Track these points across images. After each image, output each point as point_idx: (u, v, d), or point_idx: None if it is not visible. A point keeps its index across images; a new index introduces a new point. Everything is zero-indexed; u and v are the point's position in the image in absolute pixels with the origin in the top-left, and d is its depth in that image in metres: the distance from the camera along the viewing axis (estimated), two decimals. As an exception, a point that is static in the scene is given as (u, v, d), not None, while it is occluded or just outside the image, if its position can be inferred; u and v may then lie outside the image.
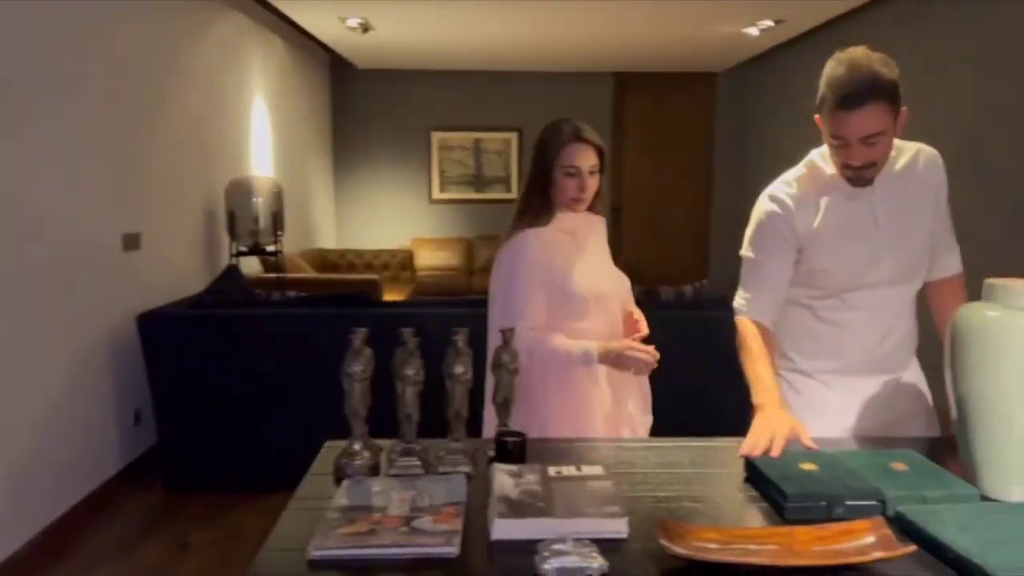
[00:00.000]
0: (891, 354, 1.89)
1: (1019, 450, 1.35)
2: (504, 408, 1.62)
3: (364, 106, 8.50)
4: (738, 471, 1.52)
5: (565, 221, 2.04)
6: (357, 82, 8.43)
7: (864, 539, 1.17)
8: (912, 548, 1.12)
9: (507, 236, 2.05)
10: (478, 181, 8.75)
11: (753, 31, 6.33)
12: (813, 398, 1.91)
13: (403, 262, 7.85)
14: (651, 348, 1.91)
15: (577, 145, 1.99)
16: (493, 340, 1.93)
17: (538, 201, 2.03)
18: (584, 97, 8.50)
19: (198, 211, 4.87)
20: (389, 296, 6.06)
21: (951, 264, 1.92)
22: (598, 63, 8.08)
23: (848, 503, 1.30)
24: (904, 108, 1.71)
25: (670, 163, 8.74)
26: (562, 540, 1.15)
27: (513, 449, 1.54)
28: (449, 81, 8.50)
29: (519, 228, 2.02)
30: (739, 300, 1.90)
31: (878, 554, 1.11)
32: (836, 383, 1.90)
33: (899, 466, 1.46)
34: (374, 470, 1.53)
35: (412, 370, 1.50)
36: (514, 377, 1.60)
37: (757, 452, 1.53)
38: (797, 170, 1.90)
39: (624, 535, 1.23)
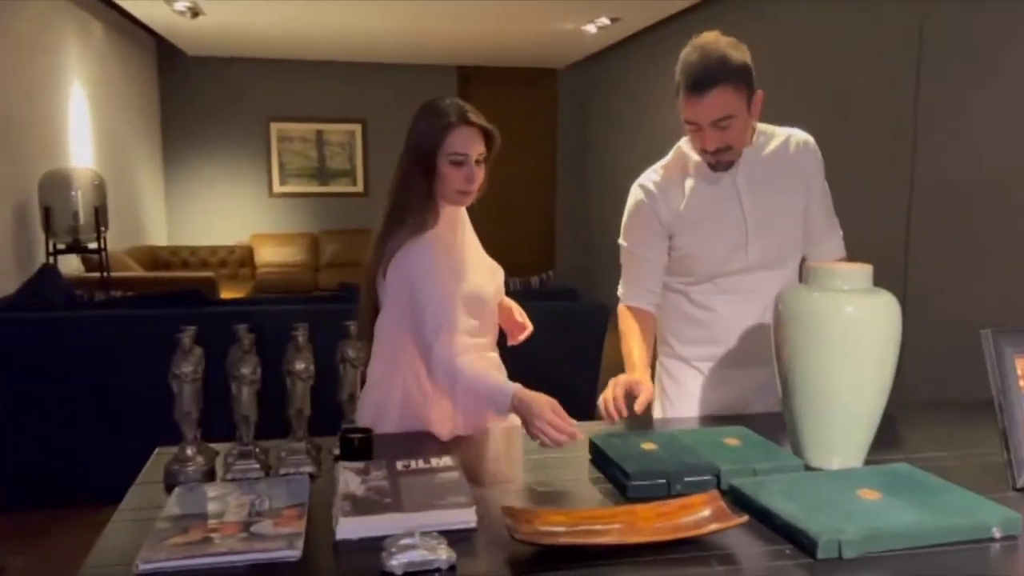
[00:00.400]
0: (768, 342, 1.86)
1: (838, 423, 1.46)
2: (350, 403, 1.58)
3: (196, 95, 8.07)
4: (584, 454, 1.56)
5: (446, 216, 1.78)
6: (188, 70, 7.99)
7: (701, 512, 1.22)
8: (744, 519, 1.17)
9: (383, 237, 1.75)
10: (322, 174, 8.52)
11: (591, 29, 6.51)
12: (690, 387, 1.95)
13: (242, 259, 7.55)
14: (573, 430, 1.49)
15: (464, 129, 1.73)
16: (382, 350, 1.76)
17: (420, 196, 1.73)
18: (428, 90, 8.37)
19: (6, 205, 4.46)
20: (227, 295, 5.80)
21: (832, 248, 1.95)
22: (442, 56, 8.06)
23: (686, 479, 1.36)
24: (759, 92, 1.75)
25: (515, 157, 8.83)
26: (409, 535, 1.14)
27: (359, 446, 1.50)
28: (288, 70, 8.22)
29: (405, 230, 1.71)
30: (619, 289, 1.97)
31: (713, 526, 1.17)
32: (712, 373, 1.94)
33: (732, 441, 1.54)
34: (209, 476, 1.45)
35: (248, 369, 1.43)
36: (358, 372, 1.56)
37: (607, 407, 1.65)
38: (666, 158, 1.94)
39: (473, 525, 1.22)
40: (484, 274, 1.84)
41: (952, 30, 3.44)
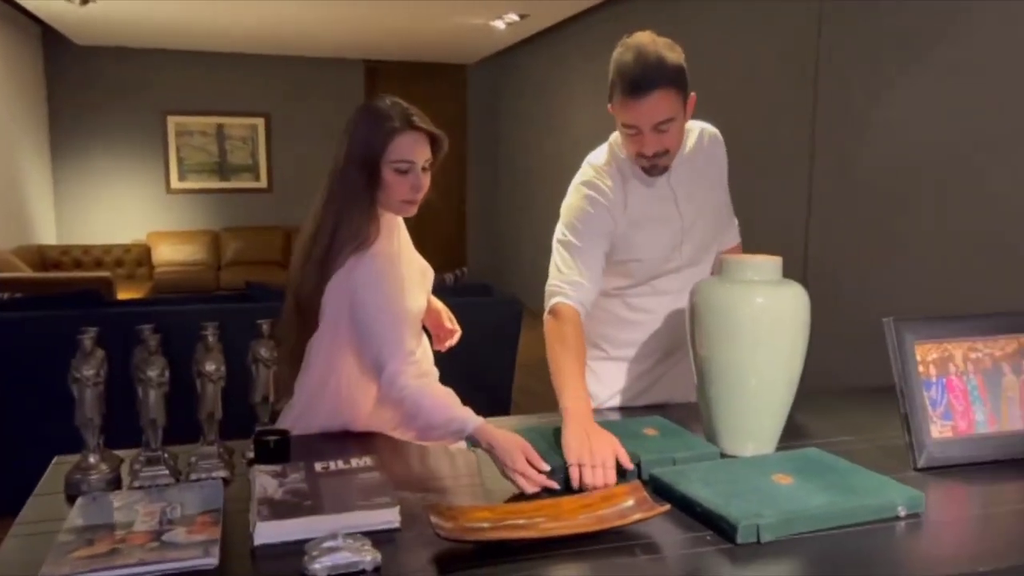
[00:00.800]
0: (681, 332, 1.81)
1: (751, 411, 1.50)
2: (263, 405, 1.53)
3: (87, 87, 7.69)
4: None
5: (384, 225, 1.66)
6: (77, 60, 7.61)
7: (624, 503, 1.23)
8: (666, 507, 1.20)
9: (327, 254, 1.61)
10: (223, 169, 8.26)
11: (499, 25, 6.52)
12: (614, 383, 1.95)
13: (139, 258, 7.25)
14: (548, 482, 1.36)
15: (410, 134, 1.61)
16: (317, 362, 1.66)
17: (363, 207, 1.61)
18: (334, 84, 8.32)
19: None
20: (124, 296, 5.56)
21: (731, 238, 2.00)
22: (348, 50, 7.94)
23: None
24: (693, 94, 1.72)
25: (424, 153, 8.80)
26: (332, 537, 1.11)
27: (275, 448, 1.45)
28: (186, 62, 7.93)
29: (348, 245, 1.59)
30: (559, 284, 1.74)
31: (637, 515, 1.19)
32: (635, 368, 1.94)
33: (650, 431, 1.57)
34: (114, 484, 1.38)
35: (155, 371, 1.37)
36: (271, 372, 1.52)
37: (584, 469, 1.37)
38: (601, 155, 1.87)
39: (397, 524, 1.21)
40: (417, 282, 1.76)
41: (850, 26, 3.60)
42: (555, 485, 1.36)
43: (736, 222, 2.03)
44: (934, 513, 1.27)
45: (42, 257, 6.56)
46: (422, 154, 1.64)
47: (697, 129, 1.91)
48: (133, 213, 7.94)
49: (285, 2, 5.84)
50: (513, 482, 1.36)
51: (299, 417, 1.67)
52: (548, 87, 7.12)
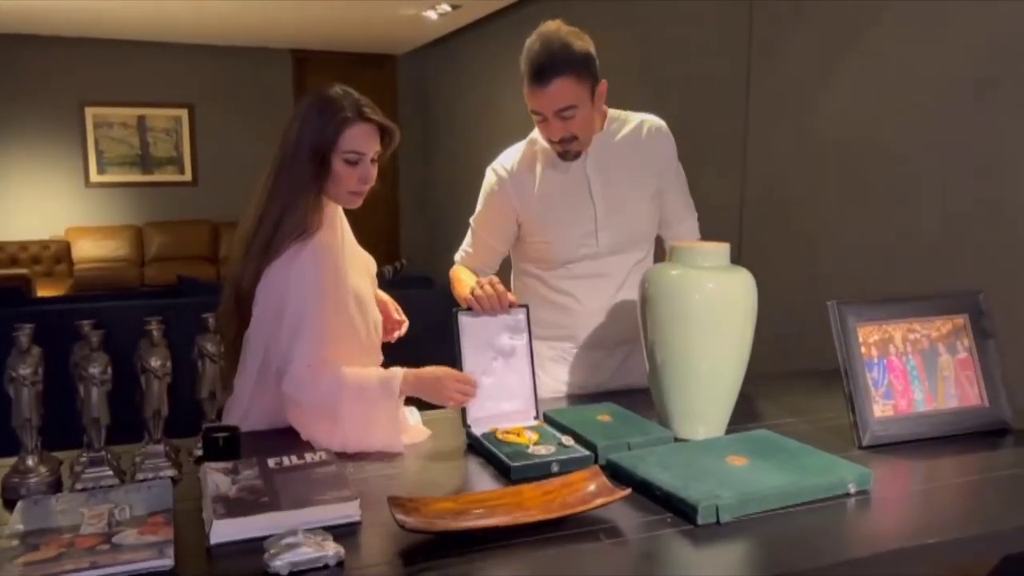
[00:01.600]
0: (624, 322, 1.88)
1: (703, 394, 1.53)
2: (210, 401, 1.49)
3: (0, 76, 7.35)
4: (461, 442, 1.55)
5: (327, 216, 1.64)
6: (-13, 47, 7.26)
7: (585, 489, 1.24)
8: (626, 492, 1.21)
9: (270, 244, 1.57)
10: (145, 162, 7.99)
11: (432, 15, 6.47)
12: (553, 370, 1.97)
13: (58, 255, 6.98)
14: (475, 379, 1.55)
15: (362, 126, 1.60)
16: (253, 356, 1.60)
17: (310, 198, 1.58)
18: (261, 74, 8.13)
19: None
20: (44, 293, 5.34)
21: (688, 231, 2.01)
22: (275, 39, 7.76)
23: (562, 457, 1.39)
24: (603, 81, 1.77)
25: (355, 145, 8.67)
26: (292, 533, 1.09)
27: (224, 445, 1.42)
28: (104, 51, 7.64)
29: (290, 235, 1.55)
30: (457, 255, 2.05)
31: (599, 500, 1.19)
32: (574, 355, 1.96)
33: (604, 418, 1.59)
34: (55, 487, 1.33)
35: (98, 368, 1.32)
36: (218, 368, 1.47)
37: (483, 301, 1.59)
38: (519, 144, 1.95)
39: (358, 518, 1.19)
40: (360, 272, 1.73)
41: (781, 15, 3.68)
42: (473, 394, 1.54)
43: (695, 216, 2.05)
44: (880, 489, 1.31)
45: (-47, 254, 6.26)
46: (372, 146, 1.63)
47: (636, 120, 1.94)
48: (50, 208, 7.62)
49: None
50: (455, 404, 1.54)
51: (245, 414, 1.63)
52: (480, 77, 7.10)
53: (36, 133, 7.54)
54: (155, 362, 1.37)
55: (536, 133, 1.91)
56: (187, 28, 7.13)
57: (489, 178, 1.95)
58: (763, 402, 1.80)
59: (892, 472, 1.41)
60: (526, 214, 1.90)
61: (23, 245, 6.89)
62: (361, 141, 1.61)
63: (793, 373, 2.15)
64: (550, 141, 1.81)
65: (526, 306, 1.64)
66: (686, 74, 4.32)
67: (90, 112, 7.73)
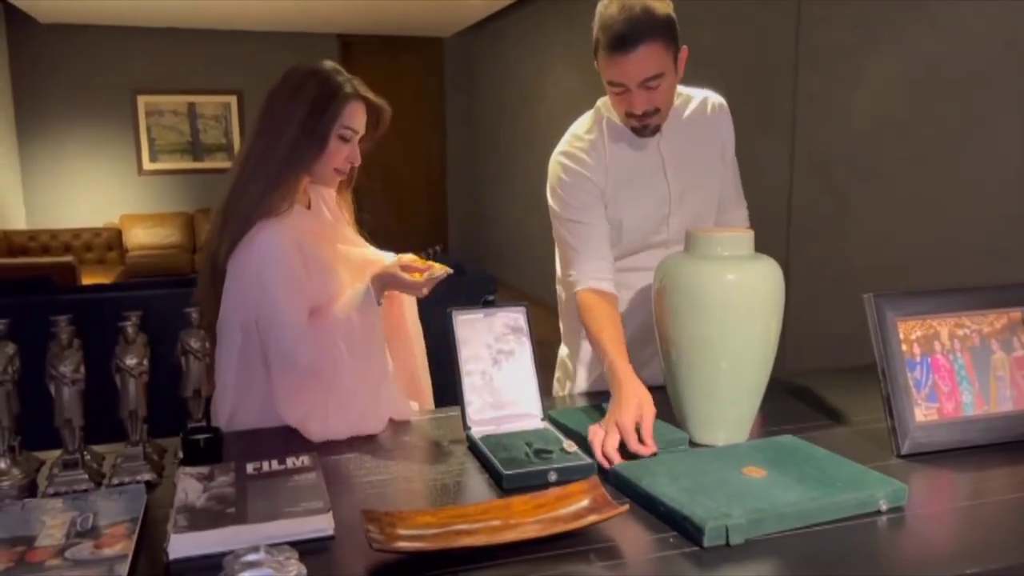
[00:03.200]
0: None
1: (723, 396, 1.40)
2: (195, 400, 1.42)
3: (54, 66, 7.48)
4: (460, 444, 1.45)
5: (322, 197, 1.65)
6: (42, 39, 7.39)
7: (580, 503, 1.13)
8: (623, 508, 1.09)
9: (235, 219, 1.51)
10: (195, 149, 8.07)
11: (474, -6, 6.36)
12: (589, 363, 1.86)
13: (109, 242, 7.09)
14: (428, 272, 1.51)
15: (358, 103, 1.56)
16: (227, 350, 1.53)
17: (298, 172, 1.54)
18: (308, 59, 8.10)
19: None
20: (93, 280, 5.42)
21: (737, 221, 1.85)
22: (321, 24, 7.74)
23: (560, 465, 1.27)
24: (684, 47, 1.61)
25: (402, 129, 8.59)
26: (254, 549, 1.00)
27: (205, 447, 1.34)
28: (155, 39, 7.72)
29: (268, 212, 1.50)
30: (569, 273, 1.69)
31: (591, 518, 1.08)
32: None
33: (615, 421, 1.46)
34: (28, 491, 1.27)
35: (69, 367, 1.25)
36: (203, 364, 1.40)
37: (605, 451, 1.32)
38: (584, 121, 1.77)
39: (330, 532, 1.10)
40: (347, 265, 1.64)
41: (827, 6, 3.47)
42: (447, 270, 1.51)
43: (745, 205, 1.89)
44: (918, 505, 1.17)
45: (8, 243, 6.40)
46: (363, 125, 1.60)
47: (700, 96, 1.79)
48: (104, 196, 7.76)
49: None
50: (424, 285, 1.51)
51: (234, 408, 1.56)
52: (525, 58, 6.96)
53: (90, 122, 7.67)
54: (130, 360, 1.29)
55: (603, 107, 1.73)
56: (235, 15, 7.14)
57: (563, 163, 1.71)
58: (795, 403, 1.66)
59: (934, 485, 1.26)
60: (607, 192, 1.70)
61: (76, 233, 7.02)
62: (358, 119, 1.58)
63: (836, 370, 1.99)
64: (629, 115, 1.62)
65: (525, 305, 1.53)
66: (731, 50, 4.13)
67: (142, 100, 7.84)
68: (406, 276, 1.51)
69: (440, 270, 1.52)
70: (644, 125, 1.64)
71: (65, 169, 7.62)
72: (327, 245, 1.62)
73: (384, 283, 1.53)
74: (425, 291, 1.55)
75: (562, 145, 1.75)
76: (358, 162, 1.61)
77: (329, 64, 1.59)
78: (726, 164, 1.81)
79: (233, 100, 8.08)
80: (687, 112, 1.76)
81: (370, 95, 1.59)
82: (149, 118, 7.88)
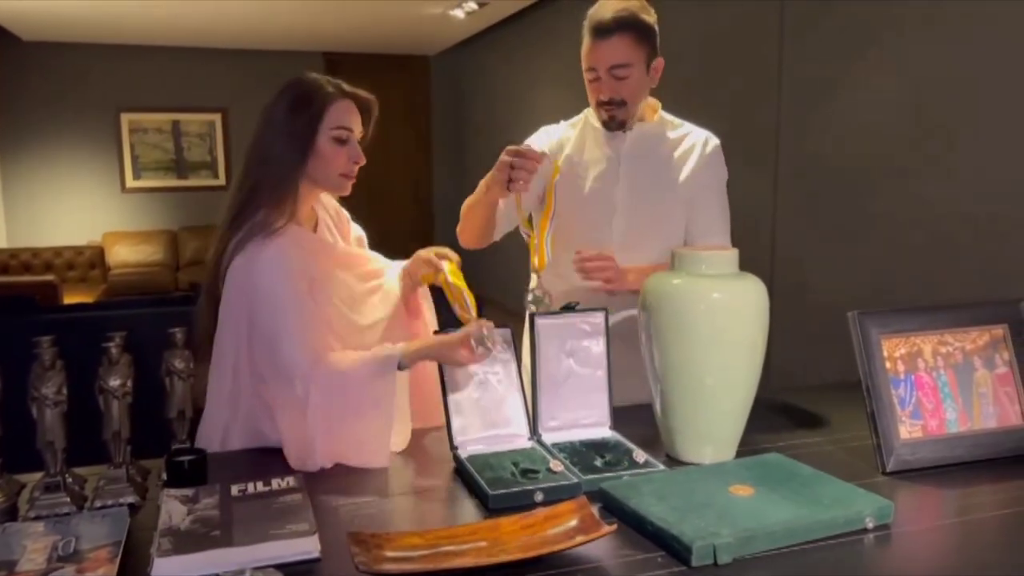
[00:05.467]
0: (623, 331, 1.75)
1: (710, 414, 1.40)
2: (180, 421, 1.41)
3: (36, 84, 7.45)
4: (447, 464, 1.44)
5: (329, 215, 1.65)
6: (24, 56, 7.36)
7: (568, 523, 1.12)
8: (611, 528, 1.09)
9: (234, 236, 1.49)
10: (179, 167, 8.05)
11: (459, 14, 6.38)
12: None
13: (92, 260, 7.04)
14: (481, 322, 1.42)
15: (345, 101, 1.53)
16: (223, 364, 1.50)
17: (294, 189, 1.52)
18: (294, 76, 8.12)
19: None
20: (75, 299, 5.37)
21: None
22: (306, 42, 7.75)
23: (546, 485, 1.27)
24: (660, 59, 1.78)
25: (389, 147, 8.62)
26: (240, 572, 0.99)
27: (190, 469, 1.33)
28: (139, 56, 7.71)
29: (259, 227, 1.48)
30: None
31: (579, 538, 1.07)
32: None
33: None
34: (9, 514, 1.25)
35: (51, 388, 1.24)
36: (188, 385, 1.39)
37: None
38: (572, 119, 1.98)
39: (316, 555, 1.09)
40: (351, 273, 1.63)
41: (814, 11, 3.51)
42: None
43: (726, 239, 1.89)
44: (905, 523, 1.17)
45: (-11, 261, 6.35)
46: (357, 123, 1.57)
47: (694, 131, 1.91)
48: (87, 214, 7.71)
49: (236, -8, 5.67)
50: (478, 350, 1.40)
51: (226, 426, 1.54)
52: (512, 76, 6.99)
53: (73, 140, 7.64)
54: (114, 381, 1.28)
55: (588, 112, 1.91)
56: (219, 32, 7.15)
57: (538, 133, 1.96)
58: (781, 420, 1.66)
59: (920, 502, 1.27)
60: (566, 166, 1.87)
61: (58, 251, 6.97)
62: (348, 116, 1.54)
63: (820, 387, 2.00)
64: (599, 104, 1.80)
65: (510, 325, 1.53)
66: (716, 71, 4.16)
67: (126, 118, 7.81)
68: (461, 353, 1.39)
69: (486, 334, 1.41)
70: (611, 116, 1.80)
71: (47, 187, 7.58)
72: (328, 265, 1.59)
73: (431, 353, 1.44)
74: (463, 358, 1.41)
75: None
76: (363, 161, 1.56)
77: (307, 74, 1.57)
78: (702, 197, 1.85)
79: (218, 118, 8.07)
80: (671, 135, 1.88)
81: (354, 90, 1.57)
82: (133, 135, 7.85)
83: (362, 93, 1.58)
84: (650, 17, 1.77)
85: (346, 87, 1.56)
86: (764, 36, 3.77)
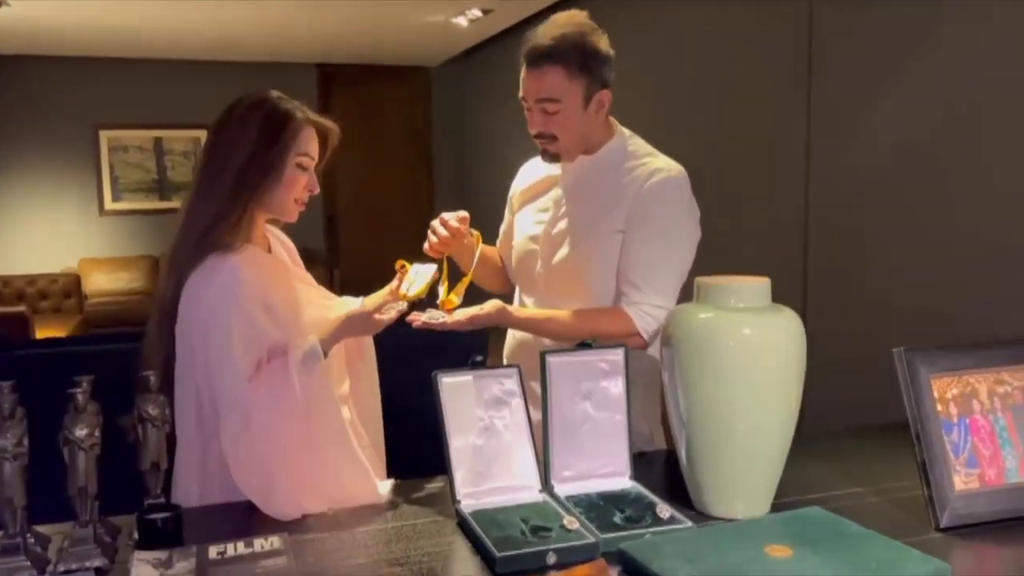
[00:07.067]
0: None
1: (741, 462, 1.36)
2: (153, 473, 1.37)
3: (7, 99, 7.48)
4: (449, 520, 1.40)
5: (280, 242, 1.72)
6: (-2, 70, 7.42)
7: (584, 590, 1.09)
8: (633, 596, 1.05)
9: (182, 260, 1.53)
10: (162, 187, 8.06)
11: (462, 22, 6.41)
12: None
13: (67, 288, 7.03)
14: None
15: (310, 128, 1.60)
16: (186, 404, 1.50)
17: (246, 206, 1.55)
18: (285, 91, 7.96)
19: None
20: (46, 333, 5.37)
21: (624, 298, 1.72)
22: (298, 53, 7.80)
23: (559, 545, 1.23)
24: (606, 91, 1.69)
25: (388, 163, 8.65)
26: (216, 649, 0.96)
27: (163, 528, 1.30)
28: (120, 70, 7.74)
29: (214, 246, 1.52)
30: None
31: (597, 609, 1.04)
32: None
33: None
34: (-35, 580, 1.22)
35: (11, 439, 1.21)
36: (163, 433, 1.36)
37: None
38: None
39: (301, 628, 1.05)
40: (312, 304, 1.66)
41: (842, 21, 3.50)
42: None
43: (644, 296, 1.70)
44: (963, 588, 1.13)
45: (-44, 291, 6.36)
46: (316, 151, 1.62)
47: (653, 164, 1.76)
48: (62, 239, 7.71)
49: (225, 5, 5.70)
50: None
51: (201, 483, 1.51)
52: (517, 88, 7.01)
53: (48, 159, 7.65)
54: (80, 431, 1.25)
55: None
56: (205, 44, 7.20)
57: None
58: (820, 468, 1.62)
59: (978, 563, 1.24)
60: (515, 204, 1.98)
61: (31, 279, 6.97)
62: (312, 143, 1.60)
63: (864, 429, 1.95)
64: (532, 134, 1.76)
65: (517, 366, 1.50)
66: (740, 86, 4.16)
67: (105, 135, 7.84)
68: (354, 313, 1.55)
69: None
70: (544, 149, 1.77)
71: (19, 210, 7.59)
72: (291, 283, 1.64)
73: (335, 333, 1.54)
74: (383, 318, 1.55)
75: None
76: (317, 190, 1.63)
77: (275, 93, 1.61)
78: (631, 239, 1.72)
79: (204, 135, 8.09)
80: (621, 166, 1.76)
81: (319, 119, 1.62)
82: (112, 154, 7.88)
83: (326, 122, 1.64)
84: (595, 41, 1.67)
85: (311, 114, 1.61)
86: (791, 36, 3.76)
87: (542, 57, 1.65)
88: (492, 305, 1.67)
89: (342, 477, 1.49)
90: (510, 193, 2.01)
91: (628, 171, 1.76)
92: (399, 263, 1.74)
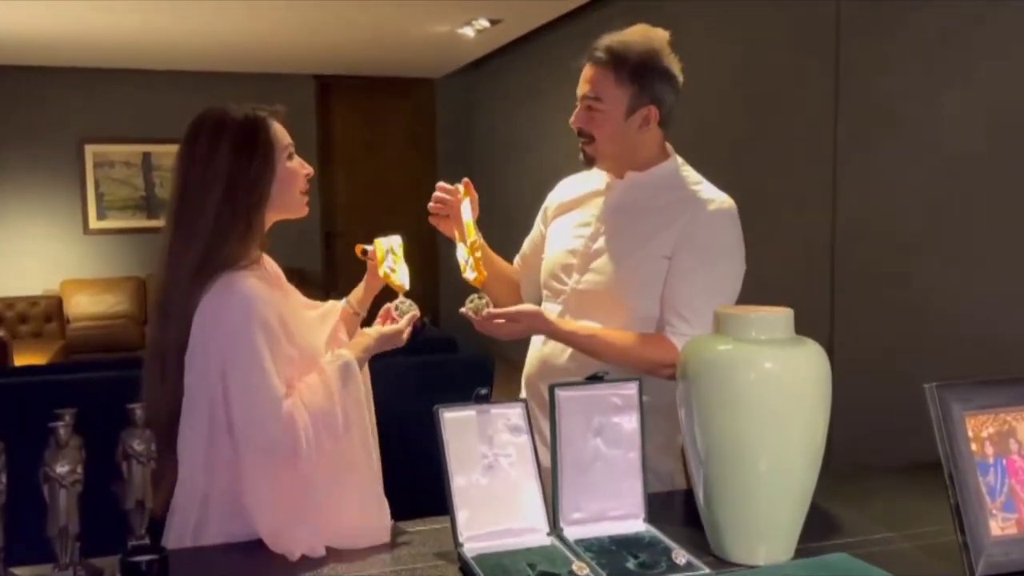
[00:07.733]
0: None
1: (761, 502, 1.36)
2: (138, 513, 1.38)
3: (-12, 113, 7.57)
4: (452, 564, 1.41)
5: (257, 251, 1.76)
6: (-25, 81, 7.50)
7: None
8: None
9: (184, 291, 1.53)
10: (150, 205, 8.12)
11: (468, 32, 6.47)
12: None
13: (48, 312, 7.06)
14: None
15: (272, 120, 1.65)
16: (193, 437, 1.51)
17: (253, 220, 1.58)
18: (282, 103, 8.03)
19: None
20: (26, 359, 5.39)
21: (669, 328, 1.76)
22: (294, 63, 7.87)
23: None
24: (654, 108, 1.79)
25: (390, 178, 8.70)
26: None
27: (147, 571, 1.30)
28: (106, 81, 7.82)
29: (222, 266, 1.53)
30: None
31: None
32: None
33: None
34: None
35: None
36: (148, 470, 1.37)
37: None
38: None
39: None
40: (312, 326, 1.69)
41: (870, 47, 3.53)
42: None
43: (687, 328, 1.73)
44: (1000, 642, 1.13)
45: (-69, 314, 6.41)
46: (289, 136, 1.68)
47: (706, 193, 1.83)
48: (44, 259, 7.75)
49: (215, 12, 5.77)
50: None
51: (196, 522, 1.52)
52: (528, 102, 7.06)
53: (29, 175, 7.71)
54: (61, 468, 1.26)
55: None
56: (197, 53, 7.27)
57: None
58: (847, 509, 1.62)
59: (1017, 615, 1.22)
60: (550, 215, 2.06)
61: (9, 302, 7.00)
62: (284, 132, 1.65)
63: (893, 469, 1.95)
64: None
65: (524, 400, 1.51)
66: (762, 90, 4.18)
67: (90, 150, 7.90)
68: (387, 331, 1.66)
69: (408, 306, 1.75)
70: (582, 148, 1.87)
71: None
72: (295, 295, 1.71)
73: (369, 349, 1.64)
74: (405, 336, 1.68)
75: None
76: (311, 169, 1.70)
77: (230, 105, 1.64)
78: (675, 269, 1.78)
79: (194, 150, 8.15)
80: (671, 189, 1.84)
81: (274, 107, 1.67)
82: (98, 170, 7.94)
83: (277, 107, 1.68)
84: (657, 59, 1.79)
85: (264, 107, 1.66)
86: (819, 54, 3.79)
87: (597, 55, 1.79)
88: (528, 306, 1.79)
89: (363, 507, 1.51)
90: (545, 204, 2.10)
91: (680, 196, 1.83)
92: (359, 248, 1.89)
